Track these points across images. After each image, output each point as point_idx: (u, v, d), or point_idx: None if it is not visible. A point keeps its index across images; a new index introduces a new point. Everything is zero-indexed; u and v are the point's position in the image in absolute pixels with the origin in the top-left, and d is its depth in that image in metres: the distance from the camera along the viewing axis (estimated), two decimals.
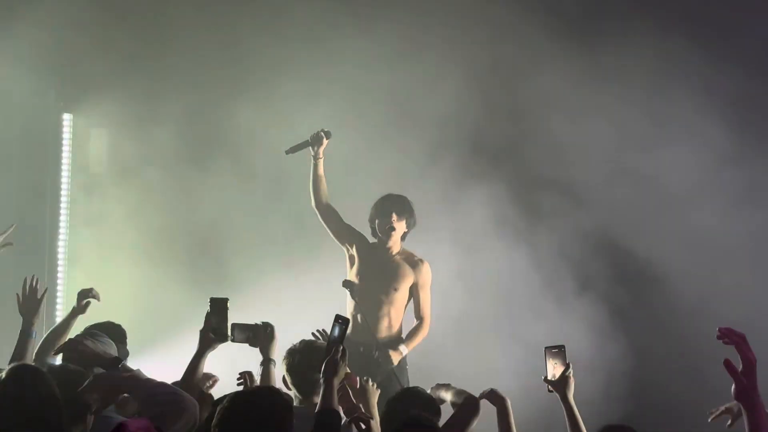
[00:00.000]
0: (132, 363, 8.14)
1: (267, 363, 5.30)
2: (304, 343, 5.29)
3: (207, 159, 9.50)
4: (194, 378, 4.85)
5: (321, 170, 8.05)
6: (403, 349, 7.78)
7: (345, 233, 8.05)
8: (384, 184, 8.61)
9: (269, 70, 9.41)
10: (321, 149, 8.03)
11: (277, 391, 4.06)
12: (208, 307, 4.99)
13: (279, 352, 5.31)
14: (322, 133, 8.05)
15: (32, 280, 6.12)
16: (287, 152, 8.13)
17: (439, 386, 5.19)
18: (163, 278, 9.36)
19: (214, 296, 5.04)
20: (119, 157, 9.64)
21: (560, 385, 5.23)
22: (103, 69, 9.41)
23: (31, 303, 6.04)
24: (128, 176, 9.55)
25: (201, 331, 5.01)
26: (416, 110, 9.45)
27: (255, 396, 3.91)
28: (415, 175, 9.30)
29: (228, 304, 5.00)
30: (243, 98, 9.43)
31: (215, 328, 4.94)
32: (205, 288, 9.21)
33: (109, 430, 4.70)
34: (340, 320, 4.82)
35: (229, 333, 5.23)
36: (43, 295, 6.10)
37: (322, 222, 8.07)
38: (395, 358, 7.70)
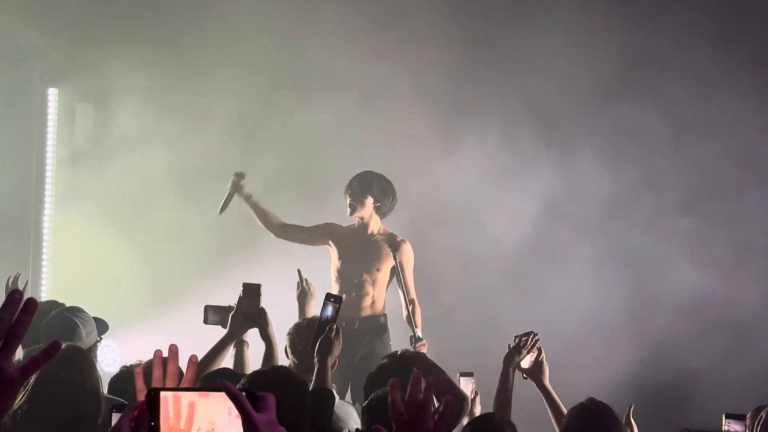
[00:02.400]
0: (120, 335, 8.19)
1: (240, 345, 5.25)
2: (308, 320, 5.27)
3: (195, 133, 9.46)
4: (216, 358, 4.83)
5: (259, 205, 8.05)
6: (419, 334, 7.76)
7: (316, 237, 8.04)
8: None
9: (260, 37, 9.40)
10: (244, 191, 8.03)
11: (292, 372, 4.04)
12: (241, 292, 5.00)
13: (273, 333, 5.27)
14: (236, 177, 8.04)
15: (14, 276, 6.19)
16: (221, 212, 8.10)
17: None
18: (150, 253, 9.34)
19: (247, 281, 5.05)
20: (105, 133, 9.59)
21: (535, 371, 5.25)
22: (89, 43, 9.36)
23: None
24: (114, 151, 9.50)
25: (232, 316, 5.01)
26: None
27: (276, 374, 3.86)
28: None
29: (261, 289, 5.01)
30: (231, 69, 9.38)
31: (246, 313, 4.95)
32: (192, 262, 9.24)
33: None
34: (333, 299, 4.80)
35: (203, 315, 5.24)
36: (25, 288, 6.19)
37: (291, 242, 8.08)
38: (423, 350, 7.66)
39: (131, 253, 9.30)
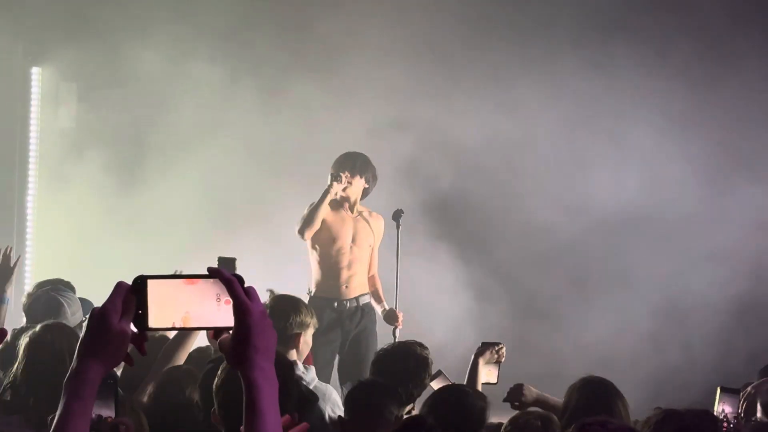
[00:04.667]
0: None
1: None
2: (276, 297, 5.23)
3: (180, 111, 9.41)
4: (186, 341, 4.77)
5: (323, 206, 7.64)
6: (386, 305, 7.82)
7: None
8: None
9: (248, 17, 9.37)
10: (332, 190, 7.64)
11: (278, 351, 3.95)
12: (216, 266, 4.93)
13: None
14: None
15: (6, 249, 6.11)
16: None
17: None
18: (135, 232, 9.30)
19: (223, 255, 5.00)
20: (89, 111, 9.55)
21: (515, 395, 5.01)
22: (72, 20, 9.29)
23: (3, 270, 6.03)
24: (97, 130, 9.46)
25: None
26: None
27: None
28: None
29: (236, 263, 4.97)
30: (217, 46, 9.35)
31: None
32: (176, 242, 9.21)
33: None
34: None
35: None
36: (15, 263, 6.08)
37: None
38: (400, 318, 7.69)
39: (116, 232, 9.27)
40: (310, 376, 4.90)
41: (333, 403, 4.82)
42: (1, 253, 6.06)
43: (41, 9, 9.20)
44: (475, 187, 9.56)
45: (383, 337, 7.51)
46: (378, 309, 7.83)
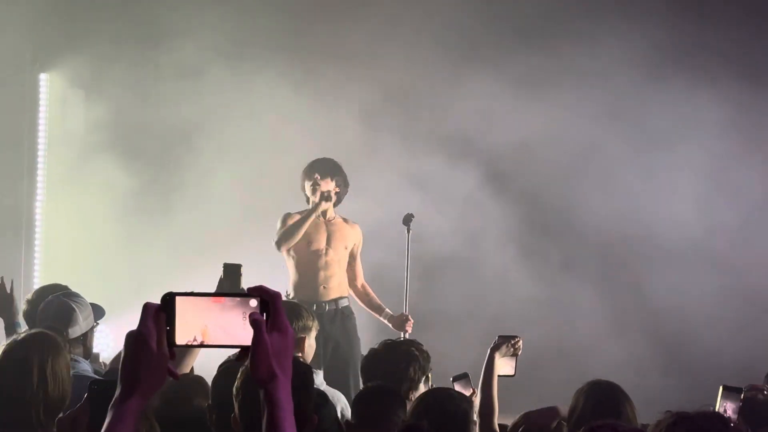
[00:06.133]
0: (114, 321, 8.19)
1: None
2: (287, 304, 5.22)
3: (186, 117, 9.44)
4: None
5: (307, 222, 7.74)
6: (389, 311, 7.84)
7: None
8: None
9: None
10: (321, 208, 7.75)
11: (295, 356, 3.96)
12: (222, 273, 4.96)
13: None
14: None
15: None
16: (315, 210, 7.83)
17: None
18: (144, 238, 9.33)
19: (228, 261, 5.00)
20: (96, 118, 9.58)
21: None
22: (80, 26, 9.33)
23: (3, 300, 6.05)
24: (105, 136, 9.49)
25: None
26: None
27: None
28: None
29: (241, 270, 4.96)
30: (221, 54, 9.38)
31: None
32: (186, 247, 9.23)
33: (85, 386, 4.74)
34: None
35: None
36: (11, 288, 6.07)
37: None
38: (409, 326, 7.70)
39: (125, 238, 9.30)
40: (318, 379, 4.93)
41: (343, 404, 4.85)
42: None
43: (48, 15, 9.23)
44: (533, 181, 9.59)
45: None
46: (379, 316, 7.84)
